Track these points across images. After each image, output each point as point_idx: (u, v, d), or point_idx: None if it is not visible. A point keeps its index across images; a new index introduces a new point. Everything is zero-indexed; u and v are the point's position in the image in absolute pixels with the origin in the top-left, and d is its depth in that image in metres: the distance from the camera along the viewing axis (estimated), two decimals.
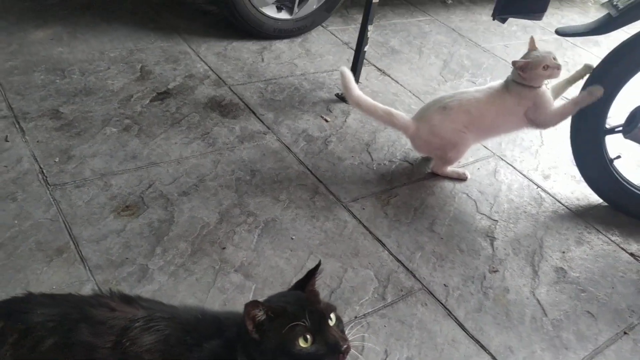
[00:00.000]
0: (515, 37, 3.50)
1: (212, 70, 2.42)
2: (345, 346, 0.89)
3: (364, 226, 1.81)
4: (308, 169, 2.00)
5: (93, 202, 1.67)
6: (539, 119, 2.02)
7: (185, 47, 2.54)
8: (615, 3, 1.84)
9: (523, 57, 1.99)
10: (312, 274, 0.97)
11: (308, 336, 0.88)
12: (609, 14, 1.85)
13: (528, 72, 1.94)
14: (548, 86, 2.03)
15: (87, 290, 1.41)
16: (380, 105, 2.02)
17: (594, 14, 4.37)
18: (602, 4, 1.93)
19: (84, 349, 0.89)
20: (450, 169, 2.10)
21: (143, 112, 2.08)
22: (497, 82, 2.07)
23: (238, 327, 0.93)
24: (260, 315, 0.88)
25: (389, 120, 2.03)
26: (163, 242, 1.59)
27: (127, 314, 0.94)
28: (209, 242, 1.63)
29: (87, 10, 2.64)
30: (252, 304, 0.87)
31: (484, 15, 3.73)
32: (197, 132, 2.05)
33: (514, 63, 1.95)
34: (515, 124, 2.06)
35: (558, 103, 2.04)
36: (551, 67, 1.94)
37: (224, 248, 1.62)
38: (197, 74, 2.37)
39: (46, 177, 1.72)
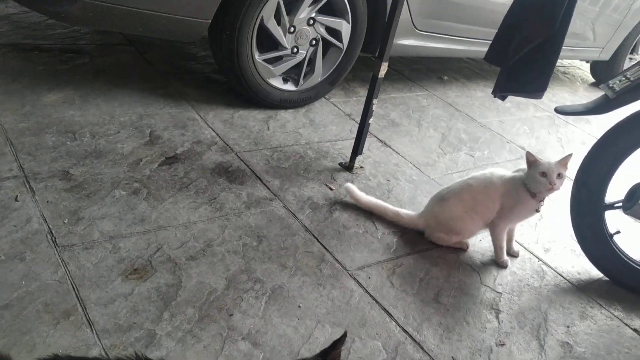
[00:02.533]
0: (509, 114, 3.63)
1: (219, 136, 2.48)
2: None
3: (371, 296, 1.81)
4: (314, 236, 2.02)
5: (101, 265, 1.66)
6: (498, 222, 2.08)
7: (193, 114, 2.60)
8: (611, 85, 1.93)
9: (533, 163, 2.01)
10: (338, 344, 0.97)
11: None
12: (606, 95, 1.94)
13: (530, 169, 1.99)
14: (539, 208, 2.06)
15: (94, 353, 1.38)
16: (390, 206, 2.20)
17: (582, 93, 4.57)
18: (600, 86, 2.03)
19: None
20: (455, 239, 2.13)
21: (152, 176, 2.11)
22: (498, 170, 2.14)
23: None
24: None
25: (398, 219, 2.18)
26: (171, 307, 1.58)
27: None
28: (216, 308, 1.62)
29: (98, 75, 2.72)
30: None
31: (479, 92, 3.88)
32: (204, 197, 2.07)
33: (528, 154, 1.99)
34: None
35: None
36: (547, 180, 1.94)
37: (231, 315, 1.61)
38: (205, 140, 2.42)
39: (55, 238, 1.72)
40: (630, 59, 4.70)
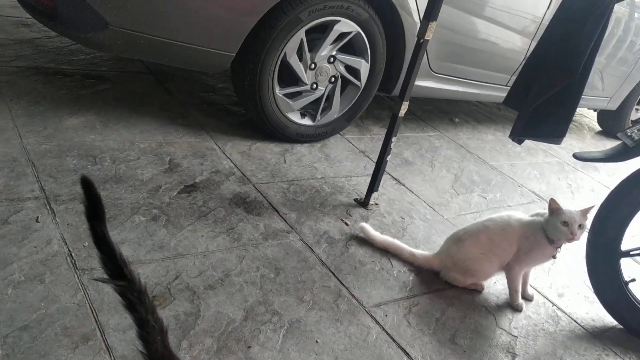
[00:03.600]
0: (520, 158, 3.66)
1: (237, 167, 2.50)
2: None
3: (388, 334, 1.80)
4: (330, 270, 2.01)
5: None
6: (514, 265, 2.08)
7: (211, 144, 2.63)
8: (630, 134, 1.96)
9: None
10: None
11: None
12: (624, 143, 1.97)
13: (552, 217, 2.00)
14: (555, 255, 2.07)
15: None
16: (405, 246, 2.21)
17: (590, 141, 4.62)
18: (618, 134, 2.06)
19: None
20: (470, 280, 2.12)
21: (171, 204, 2.11)
22: (515, 213, 2.15)
23: None
24: None
25: (413, 260, 2.19)
26: (189, 337, 1.57)
27: None
28: (234, 339, 1.60)
29: (119, 102, 2.75)
30: None
31: (490, 135, 3.93)
32: (222, 226, 2.08)
33: (552, 201, 2.00)
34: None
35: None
36: (569, 230, 1.95)
37: (249, 347, 1.59)
38: (223, 170, 2.44)
39: (75, 260, 1.72)
40: (637, 109, 4.77)
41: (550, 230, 1.99)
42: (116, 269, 0.96)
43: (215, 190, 2.28)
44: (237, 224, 2.11)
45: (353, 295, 1.92)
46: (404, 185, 2.81)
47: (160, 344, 1.01)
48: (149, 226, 1.97)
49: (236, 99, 2.98)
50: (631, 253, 2.09)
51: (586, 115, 5.44)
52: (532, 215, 2.11)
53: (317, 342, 1.68)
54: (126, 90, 2.93)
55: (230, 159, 2.54)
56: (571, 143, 4.35)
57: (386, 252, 2.21)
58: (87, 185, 0.92)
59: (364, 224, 2.25)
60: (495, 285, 2.21)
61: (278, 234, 2.13)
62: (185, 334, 1.57)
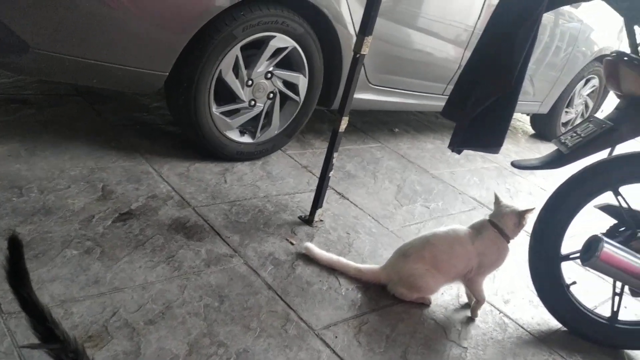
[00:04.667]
0: (459, 165, 3.73)
1: (175, 191, 2.40)
2: None
3: (339, 356, 1.75)
4: (277, 294, 1.96)
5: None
6: (477, 278, 2.11)
7: (147, 167, 2.52)
8: (563, 141, 2.02)
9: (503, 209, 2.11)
10: None
11: None
12: (559, 150, 2.02)
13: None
14: None
15: None
16: (352, 263, 2.18)
17: (525, 145, 4.77)
18: (552, 141, 2.11)
19: None
20: (416, 295, 2.11)
21: (105, 234, 2.00)
22: (459, 227, 2.16)
23: None
24: None
25: (360, 275, 2.16)
26: None
27: None
28: None
29: (46, 128, 2.61)
30: None
31: (429, 144, 3.98)
32: (161, 255, 1.98)
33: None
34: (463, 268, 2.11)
35: None
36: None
37: None
38: (160, 195, 2.34)
39: (0, 304, 1.59)
40: (566, 112, 4.96)
41: (511, 230, 2.03)
42: (47, 330, 0.89)
43: (153, 217, 2.18)
44: (177, 252, 2.02)
45: (302, 319, 1.87)
46: (348, 199, 2.79)
47: None
48: (82, 260, 1.85)
49: (171, 118, 2.89)
50: (571, 256, 2.14)
51: (519, 119, 5.62)
52: (471, 227, 2.13)
53: None
54: (53, 114, 2.78)
55: (167, 182, 2.45)
56: (507, 147, 4.47)
57: (334, 270, 2.17)
58: (15, 246, 0.85)
59: (308, 244, 2.20)
60: (443, 297, 2.22)
61: (221, 259, 2.05)
62: None
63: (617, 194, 2.07)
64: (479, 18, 3.40)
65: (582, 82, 4.84)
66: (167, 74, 2.37)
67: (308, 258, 2.19)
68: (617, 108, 2.06)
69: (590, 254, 1.92)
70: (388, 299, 2.11)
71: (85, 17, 2.09)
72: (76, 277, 1.77)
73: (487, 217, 2.13)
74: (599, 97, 5.19)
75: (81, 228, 2.00)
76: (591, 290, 2.54)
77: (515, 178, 3.80)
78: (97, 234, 2.00)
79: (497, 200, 2.14)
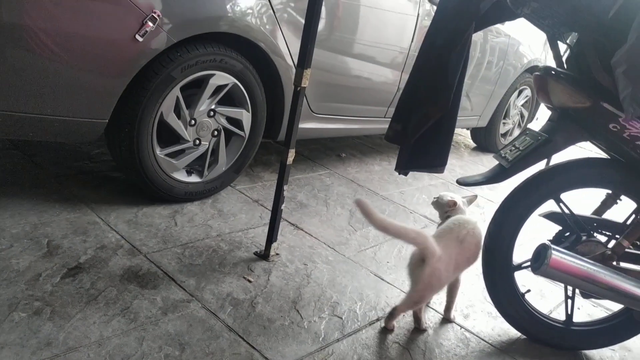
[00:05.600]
0: (407, 184, 3.80)
1: (124, 239, 2.34)
2: None
3: None
4: (239, 335, 1.92)
5: None
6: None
7: (93, 217, 2.45)
8: (504, 155, 2.09)
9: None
10: None
11: None
12: (500, 164, 2.09)
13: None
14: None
15: None
16: (410, 227, 2.04)
17: (468, 158, 4.91)
18: (493, 156, 2.19)
19: None
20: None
21: (54, 292, 1.93)
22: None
23: None
24: None
25: (420, 242, 2.01)
26: None
27: None
28: None
29: None
30: None
31: (376, 166, 4.04)
32: (116, 307, 1.92)
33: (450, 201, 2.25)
34: None
35: None
36: None
37: None
38: (110, 245, 2.28)
39: None
40: (504, 123, 5.15)
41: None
42: None
43: (103, 268, 2.11)
44: (131, 302, 1.96)
45: (266, 358, 1.85)
46: (302, 229, 2.79)
47: None
48: (31, 322, 1.77)
49: (115, 164, 2.82)
50: (523, 266, 2.20)
51: (461, 134, 5.79)
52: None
53: None
54: None
55: (115, 231, 2.38)
56: (451, 163, 4.59)
57: (294, 303, 2.15)
58: None
59: (358, 199, 2.06)
60: (404, 318, 2.23)
61: (178, 306, 2.00)
62: None
63: (558, 201, 2.15)
64: (412, 40, 3.51)
65: (516, 93, 5.04)
66: (107, 120, 2.33)
67: (267, 295, 2.17)
68: (550, 120, 2.16)
69: (540, 262, 1.98)
70: (350, 327, 2.11)
71: (12, 68, 2.03)
72: (26, 341, 1.69)
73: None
74: (532, 106, 5.41)
75: (28, 288, 1.92)
76: (545, 295, 2.62)
77: (462, 191, 3.89)
78: (45, 292, 1.92)
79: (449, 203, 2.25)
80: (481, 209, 3.67)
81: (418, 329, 2.17)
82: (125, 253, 2.25)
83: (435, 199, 2.34)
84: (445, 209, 2.27)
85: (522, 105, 5.29)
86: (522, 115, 5.36)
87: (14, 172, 2.72)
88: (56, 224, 2.34)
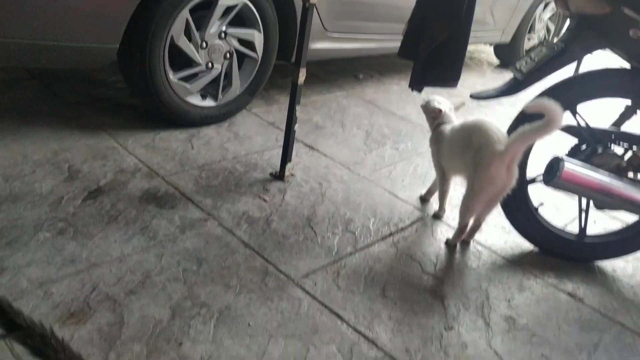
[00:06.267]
0: None
1: (142, 162, 2.40)
2: None
3: (319, 301, 1.81)
4: (254, 250, 2.00)
5: (34, 315, 1.57)
6: None
7: (112, 143, 2.51)
8: (518, 67, 2.04)
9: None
10: None
11: None
12: (515, 77, 2.04)
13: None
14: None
15: None
16: None
17: (490, 75, 4.79)
18: (509, 68, 2.14)
19: None
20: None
21: (76, 213, 2.01)
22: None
23: None
24: None
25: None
26: (116, 347, 1.51)
27: None
28: (164, 339, 1.57)
29: (3, 115, 2.57)
30: None
31: (394, 85, 3.98)
32: (135, 227, 2.00)
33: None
34: None
35: None
36: None
37: (180, 344, 1.56)
38: (128, 168, 2.34)
39: None
40: (528, 38, 4.97)
41: None
42: (9, 321, 0.91)
43: (123, 191, 2.19)
44: (150, 222, 2.04)
45: (280, 271, 1.92)
46: (317, 150, 2.81)
47: None
48: (56, 241, 1.86)
49: (130, 91, 2.85)
50: (537, 180, 2.19)
51: (484, 51, 5.61)
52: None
53: (249, 325, 1.67)
54: (9, 100, 2.73)
55: (134, 155, 2.44)
56: (473, 80, 4.49)
57: (308, 220, 2.21)
58: None
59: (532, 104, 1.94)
60: (417, 233, 2.27)
61: (195, 224, 2.08)
62: (112, 345, 1.52)
63: (574, 113, 2.10)
64: None
65: (542, 6, 4.83)
66: (117, 46, 2.33)
67: (282, 213, 2.23)
68: (568, 29, 2.08)
69: (552, 174, 1.97)
70: (363, 241, 2.16)
71: None
72: (52, 258, 1.79)
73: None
74: (559, 19, 5.19)
75: (51, 210, 2.01)
76: (561, 209, 2.62)
77: (482, 110, 3.84)
78: (68, 214, 2.00)
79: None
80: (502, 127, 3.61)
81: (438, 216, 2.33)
82: (143, 176, 2.31)
83: (424, 103, 2.34)
84: (432, 115, 2.28)
85: (549, 19, 5.07)
86: (548, 30, 5.15)
87: (33, 101, 2.77)
88: (76, 150, 2.40)
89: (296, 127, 2.43)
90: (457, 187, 2.39)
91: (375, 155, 2.88)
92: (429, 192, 2.50)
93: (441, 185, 2.36)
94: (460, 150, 2.13)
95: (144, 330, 1.58)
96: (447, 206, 2.40)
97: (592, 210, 2.26)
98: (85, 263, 1.79)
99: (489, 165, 1.99)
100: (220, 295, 1.76)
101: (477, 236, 2.32)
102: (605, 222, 2.58)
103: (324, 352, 1.62)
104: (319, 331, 1.69)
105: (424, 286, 1.98)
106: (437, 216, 2.39)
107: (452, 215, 2.40)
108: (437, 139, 2.30)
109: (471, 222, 2.20)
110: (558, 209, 2.59)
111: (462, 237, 2.22)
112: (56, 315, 1.58)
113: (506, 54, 5.02)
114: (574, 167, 1.96)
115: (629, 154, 2.11)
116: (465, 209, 2.13)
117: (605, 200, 2.04)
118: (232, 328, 1.65)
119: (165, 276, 1.80)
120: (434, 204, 2.49)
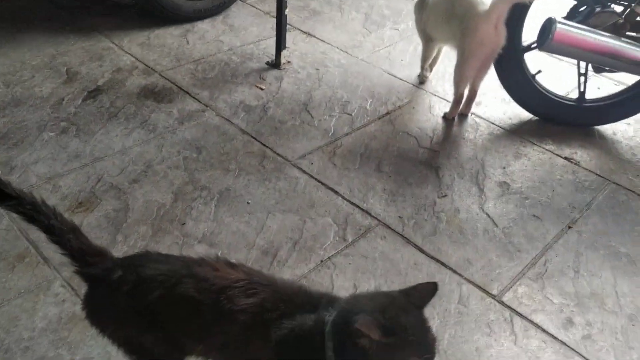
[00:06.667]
0: None
1: (139, 60, 2.42)
2: None
3: (315, 179, 1.88)
4: (252, 136, 2.05)
5: None
6: None
7: (107, 43, 2.52)
8: None
9: None
10: (431, 293, 0.94)
11: None
12: None
13: None
14: None
15: (56, 287, 1.43)
16: None
17: None
18: None
19: (186, 302, 0.96)
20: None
21: (77, 113, 2.07)
22: None
23: (338, 314, 0.92)
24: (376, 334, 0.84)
25: None
26: (123, 230, 1.62)
27: (230, 275, 0.99)
28: (167, 220, 1.67)
29: None
30: (369, 324, 0.84)
31: None
32: (135, 121, 2.06)
33: None
34: None
35: None
36: None
37: (183, 224, 1.66)
38: (125, 67, 2.37)
39: None
40: None
41: None
42: (1, 192, 0.98)
43: (121, 89, 2.23)
44: (149, 116, 2.10)
45: (277, 154, 1.98)
46: (314, 36, 2.77)
47: (75, 241, 1.05)
48: (60, 140, 1.94)
49: None
50: (532, 47, 2.15)
51: None
52: None
53: (248, 203, 1.76)
54: (4, 9, 2.72)
55: (130, 54, 2.46)
56: None
57: (305, 105, 2.23)
58: None
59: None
60: (414, 110, 2.28)
61: (193, 115, 2.12)
62: (119, 228, 1.62)
63: None
64: None
65: None
66: None
67: (278, 100, 2.25)
68: None
69: (544, 37, 1.93)
70: (360, 122, 2.18)
71: None
72: (57, 155, 1.87)
73: None
74: None
75: (53, 112, 2.07)
76: (562, 77, 2.57)
77: None
78: (69, 114, 2.07)
79: None
80: None
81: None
82: (140, 73, 2.34)
83: None
84: None
85: None
86: None
87: (27, 8, 2.76)
88: (72, 53, 2.43)
89: (287, 12, 2.39)
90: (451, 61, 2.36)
91: (374, 37, 2.83)
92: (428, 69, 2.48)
93: (424, 52, 2.39)
94: (445, 18, 2.10)
95: (148, 214, 1.68)
96: (428, 72, 2.46)
97: (596, 77, 2.22)
98: (89, 157, 1.88)
99: (475, 28, 1.96)
100: (220, 179, 1.84)
101: (476, 109, 2.32)
102: (609, 89, 2.54)
103: (320, 223, 1.71)
104: (315, 205, 1.77)
105: (419, 159, 2.02)
106: (422, 80, 2.45)
107: (450, 91, 2.39)
108: (422, 6, 2.26)
109: (466, 92, 2.20)
110: (560, 78, 2.54)
111: (459, 110, 2.22)
112: (65, 205, 1.68)
113: None
114: (567, 28, 1.91)
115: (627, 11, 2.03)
116: (459, 77, 2.12)
117: (602, 61, 2.00)
118: (232, 207, 1.74)
119: (167, 164, 1.88)
120: (433, 81, 2.47)
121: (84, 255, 1.02)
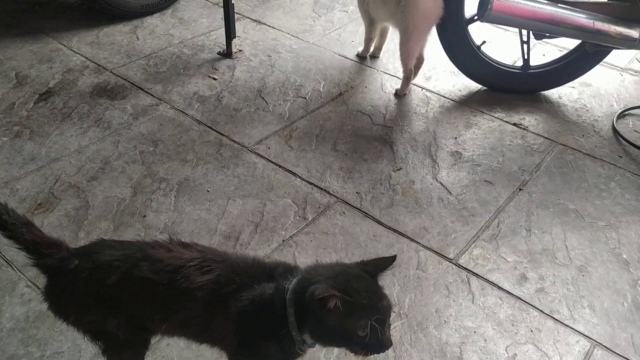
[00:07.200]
0: None
1: (89, 59, 2.41)
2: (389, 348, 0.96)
3: (273, 163, 1.91)
4: (208, 126, 2.07)
5: None
6: None
7: (56, 45, 2.50)
8: None
9: None
10: (387, 264, 0.99)
11: (369, 329, 0.91)
12: None
13: None
14: None
15: (21, 287, 1.44)
16: None
17: None
18: None
19: (144, 284, 0.99)
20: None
21: (30, 116, 2.06)
22: None
23: (298, 282, 0.96)
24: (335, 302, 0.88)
25: None
26: (84, 227, 1.63)
27: (183, 254, 1.02)
28: (128, 214, 1.68)
29: None
30: (330, 295, 0.87)
31: None
32: (89, 120, 2.06)
33: None
34: None
35: None
36: None
37: (144, 216, 1.68)
38: (75, 67, 2.35)
39: None
40: None
41: None
42: None
43: (73, 89, 2.22)
44: (103, 114, 2.10)
45: (234, 141, 2.00)
46: (265, 24, 2.79)
47: (28, 234, 1.06)
48: (14, 144, 1.93)
49: None
50: (475, 18, 2.21)
51: None
52: None
53: (208, 191, 1.78)
54: None
55: (80, 54, 2.44)
56: None
57: (259, 92, 2.26)
58: None
59: None
60: (367, 89, 2.33)
61: (147, 110, 2.13)
62: (80, 225, 1.64)
63: None
64: None
65: None
66: None
67: (232, 89, 2.27)
68: None
69: (484, 8, 1.99)
70: (315, 104, 2.22)
71: None
72: (12, 159, 1.86)
73: None
74: None
75: (5, 116, 2.05)
76: (510, 48, 2.64)
77: None
78: (22, 117, 2.05)
79: None
80: None
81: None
82: (91, 72, 2.33)
83: None
84: None
85: None
86: None
87: None
88: (21, 57, 2.40)
89: (235, 0, 2.40)
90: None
91: (324, 21, 2.86)
92: (377, 49, 2.52)
93: (367, 33, 2.46)
94: (381, 0, 2.17)
95: (109, 209, 1.69)
96: (371, 51, 2.54)
97: (540, 44, 2.29)
98: (45, 159, 1.87)
99: (416, 4, 2.02)
100: (178, 170, 1.86)
101: (426, 83, 2.38)
102: (555, 55, 2.63)
103: (280, 205, 1.75)
104: (274, 188, 1.81)
105: (373, 136, 2.07)
106: (361, 56, 2.53)
107: (400, 68, 2.44)
108: None
109: None
110: (507, 48, 2.61)
111: (409, 85, 2.28)
112: (24, 207, 1.68)
113: None
114: None
115: None
116: (406, 54, 2.17)
117: (541, 27, 2.07)
118: (192, 196, 1.76)
119: (124, 160, 1.89)
120: (383, 59, 2.52)
121: (38, 248, 1.04)
